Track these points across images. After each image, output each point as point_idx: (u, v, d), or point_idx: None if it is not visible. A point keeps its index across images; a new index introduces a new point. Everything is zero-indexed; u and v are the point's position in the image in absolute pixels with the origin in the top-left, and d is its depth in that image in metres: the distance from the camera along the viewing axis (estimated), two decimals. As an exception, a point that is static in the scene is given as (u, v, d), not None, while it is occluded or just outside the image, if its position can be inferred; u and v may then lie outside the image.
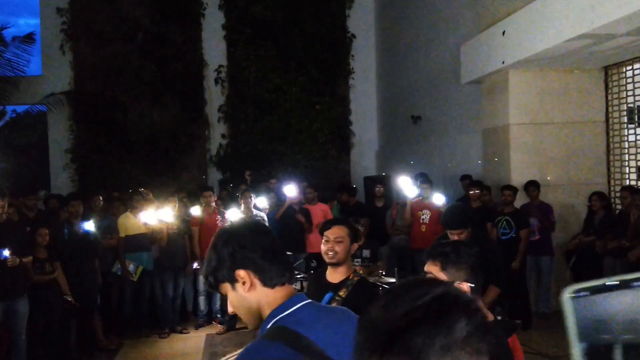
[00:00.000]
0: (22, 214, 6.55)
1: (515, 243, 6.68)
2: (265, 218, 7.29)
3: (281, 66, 11.57)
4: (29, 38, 10.99)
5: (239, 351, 1.42)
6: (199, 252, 7.23)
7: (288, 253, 6.28)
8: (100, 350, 6.65)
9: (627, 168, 7.40)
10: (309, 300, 1.51)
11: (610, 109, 7.52)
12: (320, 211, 7.85)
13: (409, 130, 10.57)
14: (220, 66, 11.71)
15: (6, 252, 5.21)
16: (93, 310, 6.60)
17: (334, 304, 2.87)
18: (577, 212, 7.44)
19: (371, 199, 9.07)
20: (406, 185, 7.33)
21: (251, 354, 1.37)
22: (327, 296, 2.97)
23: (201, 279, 6.13)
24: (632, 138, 7.39)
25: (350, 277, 3.07)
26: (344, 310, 1.65)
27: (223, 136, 11.82)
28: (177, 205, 7.35)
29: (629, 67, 7.14)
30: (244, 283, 1.45)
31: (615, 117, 7.47)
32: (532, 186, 7.13)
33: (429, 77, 9.88)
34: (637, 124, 7.53)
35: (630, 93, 7.20)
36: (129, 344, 6.94)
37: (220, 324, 7.37)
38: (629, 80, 7.18)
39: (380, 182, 8.75)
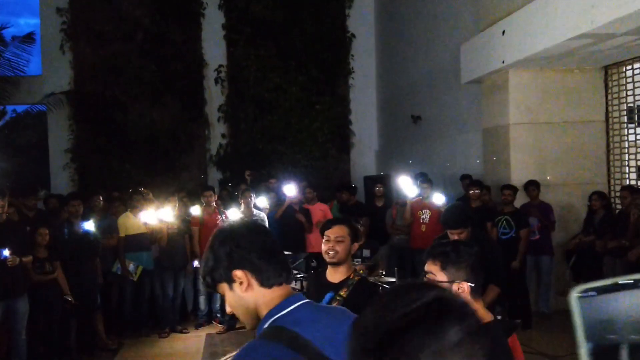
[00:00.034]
0: (22, 214, 6.55)
1: (515, 243, 6.68)
2: (265, 218, 7.29)
3: (281, 66, 11.58)
4: (28, 38, 10.99)
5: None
6: (200, 252, 7.22)
7: (288, 253, 6.30)
8: (100, 350, 6.66)
9: (627, 168, 7.40)
10: (307, 300, 1.51)
11: (610, 109, 7.52)
12: (319, 211, 7.85)
13: (409, 130, 10.57)
14: (220, 66, 11.71)
15: (6, 252, 5.22)
16: (93, 310, 6.60)
17: (334, 304, 2.86)
18: (577, 211, 7.44)
19: (371, 198, 9.07)
20: (406, 185, 7.33)
21: (247, 354, 1.37)
22: (328, 296, 2.97)
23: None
24: (632, 138, 7.39)
25: (351, 277, 3.07)
26: (342, 310, 1.65)
27: (223, 136, 11.82)
28: (177, 205, 7.35)
29: (629, 67, 7.14)
30: (241, 283, 1.45)
31: (615, 117, 7.47)
32: (532, 186, 7.13)
33: (429, 77, 9.88)
34: (637, 124, 7.53)
35: (630, 93, 7.20)
36: (129, 344, 6.94)
37: (220, 324, 7.37)
38: (629, 79, 7.18)
39: (380, 182, 8.75)
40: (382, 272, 5.54)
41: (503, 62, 7.06)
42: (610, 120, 7.53)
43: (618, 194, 7.03)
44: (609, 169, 7.58)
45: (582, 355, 0.82)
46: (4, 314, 5.39)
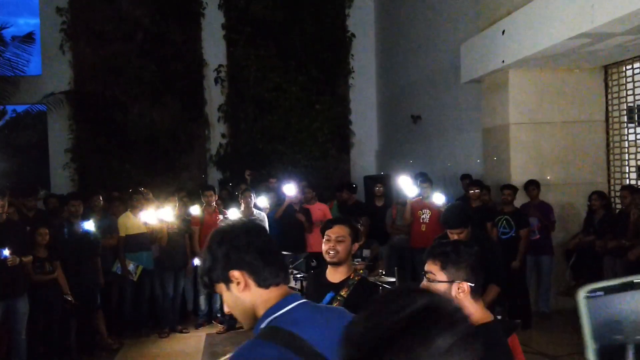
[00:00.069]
0: (22, 214, 6.55)
1: (515, 242, 6.68)
2: (265, 218, 7.29)
3: (281, 66, 11.57)
4: (28, 38, 10.98)
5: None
6: (200, 252, 7.21)
7: (288, 253, 6.29)
8: (100, 350, 6.66)
9: (627, 167, 7.40)
10: (304, 300, 1.51)
11: (610, 108, 7.52)
12: (319, 211, 7.84)
13: (409, 130, 10.57)
14: (220, 66, 11.71)
15: (6, 252, 5.22)
16: (94, 309, 6.60)
17: (335, 304, 2.86)
18: (577, 211, 7.44)
19: (371, 198, 9.07)
20: (406, 185, 7.33)
21: (244, 354, 1.37)
22: (328, 296, 2.97)
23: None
24: (632, 137, 7.39)
25: (351, 277, 3.06)
26: (340, 310, 1.65)
27: (223, 136, 11.82)
28: (177, 204, 7.35)
29: (629, 66, 7.13)
30: (238, 283, 1.46)
31: (615, 117, 7.47)
32: (532, 185, 7.13)
33: (429, 76, 9.88)
34: (636, 123, 7.53)
35: (630, 92, 7.19)
36: (129, 344, 6.94)
37: (220, 324, 7.36)
38: (629, 79, 7.17)
39: (380, 182, 8.74)
40: (382, 272, 5.54)
41: (503, 61, 7.06)
42: (610, 120, 7.53)
43: (618, 193, 7.04)
44: (609, 169, 7.58)
45: (588, 355, 0.82)
46: (4, 314, 5.39)
